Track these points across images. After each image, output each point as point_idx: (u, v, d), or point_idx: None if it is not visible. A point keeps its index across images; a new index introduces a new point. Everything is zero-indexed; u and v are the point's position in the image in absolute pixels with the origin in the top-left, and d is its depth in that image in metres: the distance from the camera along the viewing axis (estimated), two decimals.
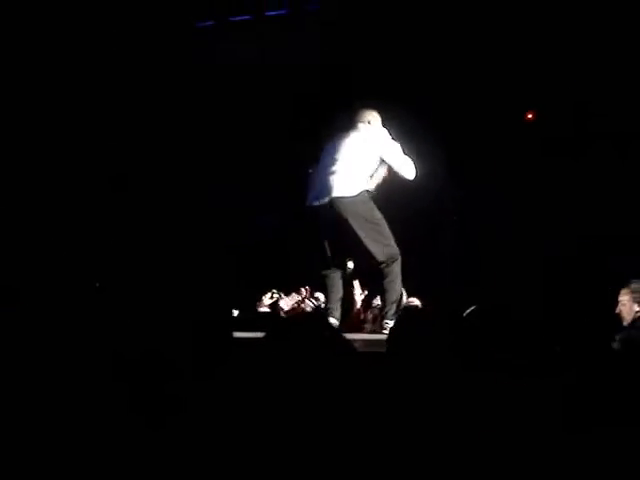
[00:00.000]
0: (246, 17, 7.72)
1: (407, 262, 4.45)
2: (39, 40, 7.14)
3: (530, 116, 7.68)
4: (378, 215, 4.37)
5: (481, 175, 7.13)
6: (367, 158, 4.44)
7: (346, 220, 4.27)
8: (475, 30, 6.74)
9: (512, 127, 7.16)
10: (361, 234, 4.27)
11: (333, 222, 4.32)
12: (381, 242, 4.33)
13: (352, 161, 4.39)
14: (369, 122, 4.50)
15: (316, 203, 4.39)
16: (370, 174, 4.47)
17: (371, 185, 4.48)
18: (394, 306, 4.37)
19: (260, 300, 6.11)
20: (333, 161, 4.40)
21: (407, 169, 4.49)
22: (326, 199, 4.32)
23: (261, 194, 7.75)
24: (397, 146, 4.48)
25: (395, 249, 4.36)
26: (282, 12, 7.57)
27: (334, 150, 4.44)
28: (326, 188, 4.34)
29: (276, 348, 1.43)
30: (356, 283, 5.63)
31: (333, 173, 4.36)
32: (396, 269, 4.37)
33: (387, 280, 4.38)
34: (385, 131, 4.50)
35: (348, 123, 4.54)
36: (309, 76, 7.06)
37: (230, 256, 7.67)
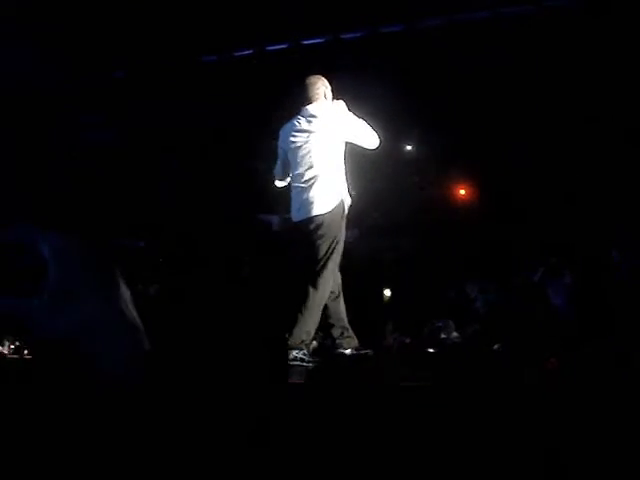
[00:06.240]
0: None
1: None
2: None
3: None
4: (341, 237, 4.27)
5: None
6: (339, 148, 4.30)
7: (320, 236, 4.20)
8: None
9: None
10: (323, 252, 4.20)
11: (307, 237, 4.24)
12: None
13: (326, 165, 4.25)
14: (325, 96, 4.32)
15: (297, 219, 4.32)
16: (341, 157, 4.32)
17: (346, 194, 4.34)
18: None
19: None
20: (306, 170, 4.26)
21: (371, 139, 4.34)
22: (305, 216, 4.24)
23: None
24: (355, 118, 4.32)
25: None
26: None
27: (304, 155, 4.27)
28: (305, 205, 4.24)
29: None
30: None
31: (310, 187, 4.23)
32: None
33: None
34: (341, 104, 4.32)
35: (304, 102, 4.33)
36: None
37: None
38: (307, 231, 4.22)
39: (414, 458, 1.59)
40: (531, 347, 5.26)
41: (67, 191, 9.71)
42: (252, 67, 11.25)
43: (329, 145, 4.26)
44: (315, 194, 4.21)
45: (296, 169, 4.31)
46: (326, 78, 4.40)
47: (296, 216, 4.32)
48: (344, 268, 4.54)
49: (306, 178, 4.24)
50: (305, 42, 9.93)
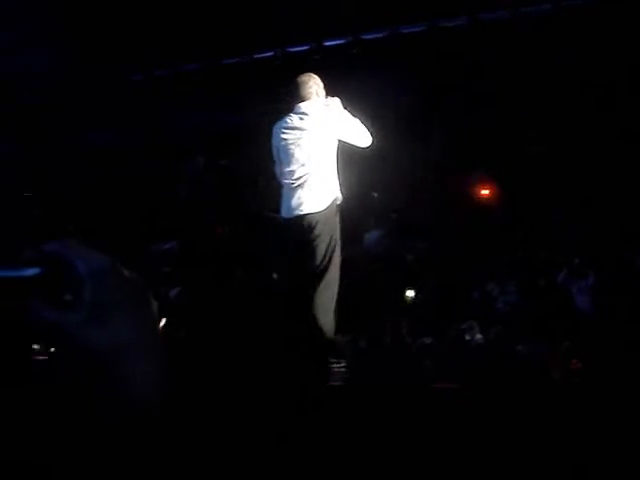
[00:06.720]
0: None
1: None
2: None
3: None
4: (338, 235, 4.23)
5: None
6: (331, 146, 4.26)
7: (317, 235, 4.14)
8: None
9: None
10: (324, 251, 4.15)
11: (302, 236, 4.18)
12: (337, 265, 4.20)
13: (318, 163, 4.21)
14: (317, 94, 4.28)
15: (288, 216, 4.26)
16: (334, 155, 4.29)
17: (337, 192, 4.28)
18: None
19: None
20: (298, 167, 4.22)
21: (364, 138, 4.30)
22: (297, 214, 4.19)
23: None
24: (349, 116, 4.26)
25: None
26: None
27: (296, 152, 4.23)
28: (297, 204, 4.20)
29: None
30: None
31: (302, 185, 4.20)
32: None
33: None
34: (336, 101, 4.27)
35: (296, 100, 4.30)
36: None
37: None
38: (300, 230, 4.17)
39: (441, 456, 1.61)
40: (554, 348, 5.23)
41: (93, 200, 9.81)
42: (274, 68, 11.31)
43: (321, 143, 4.23)
44: (307, 192, 4.18)
45: (287, 166, 4.27)
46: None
47: (287, 214, 4.26)
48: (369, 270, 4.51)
49: (297, 175, 4.21)
50: (327, 44, 9.99)
